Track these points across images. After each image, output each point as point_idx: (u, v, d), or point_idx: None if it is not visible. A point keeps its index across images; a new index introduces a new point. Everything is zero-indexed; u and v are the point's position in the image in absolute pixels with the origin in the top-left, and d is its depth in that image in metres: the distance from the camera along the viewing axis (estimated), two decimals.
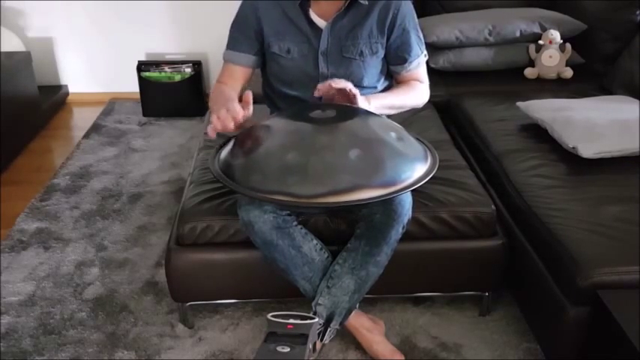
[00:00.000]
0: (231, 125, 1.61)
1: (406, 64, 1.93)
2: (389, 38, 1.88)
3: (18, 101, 3.19)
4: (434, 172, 1.65)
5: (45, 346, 1.88)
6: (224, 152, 1.74)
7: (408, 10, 1.88)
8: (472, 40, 2.83)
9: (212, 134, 1.63)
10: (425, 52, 1.97)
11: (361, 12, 1.84)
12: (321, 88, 1.73)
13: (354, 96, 1.73)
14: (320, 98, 1.80)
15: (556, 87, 2.79)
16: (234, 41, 1.91)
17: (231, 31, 1.92)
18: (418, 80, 1.98)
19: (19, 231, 2.47)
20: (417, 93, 1.96)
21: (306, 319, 1.65)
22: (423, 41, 1.96)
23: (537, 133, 2.21)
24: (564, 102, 2.34)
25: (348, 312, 1.74)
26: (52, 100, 3.66)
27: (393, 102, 1.90)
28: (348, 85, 1.72)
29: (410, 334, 1.91)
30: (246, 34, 1.88)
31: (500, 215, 1.96)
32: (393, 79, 2.01)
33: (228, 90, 1.87)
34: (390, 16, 1.85)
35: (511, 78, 2.88)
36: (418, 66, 1.96)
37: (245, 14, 1.88)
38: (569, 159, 2.02)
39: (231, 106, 1.63)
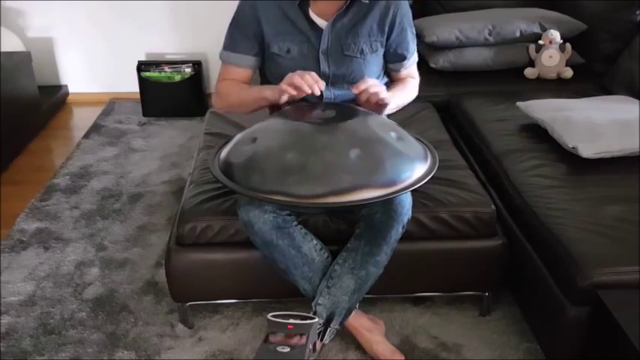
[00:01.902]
0: (317, 89, 1.69)
1: (405, 62, 1.96)
2: (389, 37, 1.89)
3: (18, 101, 3.19)
4: (434, 172, 1.66)
5: (45, 346, 1.88)
6: (224, 152, 1.74)
7: (406, 9, 1.90)
8: (472, 40, 2.83)
9: (292, 92, 1.69)
10: (415, 47, 2.01)
11: (362, 11, 1.84)
12: (359, 88, 1.73)
13: (385, 105, 1.77)
14: (321, 97, 1.80)
15: (556, 87, 2.79)
16: (233, 42, 1.90)
17: (229, 32, 1.91)
18: (413, 77, 2.02)
19: (19, 231, 2.47)
20: (413, 89, 2.01)
21: (306, 319, 1.65)
22: (415, 38, 1.99)
23: (537, 133, 2.21)
24: (564, 102, 2.34)
25: (348, 312, 1.74)
26: (52, 100, 3.66)
27: (401, 101, 1.94)
28: (382, 95, 1.74)
29: (410, 334, 1.91)
30: (245, 34, 1.88)
31: (500, 215, 1.96)
32: (389, 77, 2.02)
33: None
34: (391, 15, 1.86)
35: (511, 78, 2.88)
36: (413, 63, 2.01)
37: (244, 14, 1.88)
38: (569, 159, 2.02)
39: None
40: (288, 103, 1.76)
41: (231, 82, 1.92)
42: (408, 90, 1.98)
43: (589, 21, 2.90)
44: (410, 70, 2.00)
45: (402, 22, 1.89)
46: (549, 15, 2.93)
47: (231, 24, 1.91)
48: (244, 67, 1.92)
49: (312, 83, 1.68)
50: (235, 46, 1.90)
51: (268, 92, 1.80)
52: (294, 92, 1.70)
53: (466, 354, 1.84)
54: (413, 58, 1.99)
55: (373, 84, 1.73)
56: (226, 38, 1.91)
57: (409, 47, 1.94)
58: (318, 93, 1.70)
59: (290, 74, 1.71)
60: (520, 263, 1.86)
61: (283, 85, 1.71)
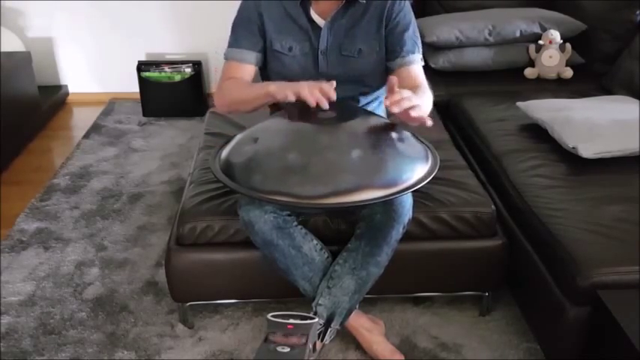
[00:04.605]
0: (325, 104, 1.63)
1: (399, 59, 1.86)
2: (385, 32, 1.87)
3: (18, 101, 3.19)
4: (435, 172, 1.65)
5: (45, 346, 1.88)
6: (225, 152, 1.74)
7: (404, 7, 1.87)
8: (472, 40, 2.84)
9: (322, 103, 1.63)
10: (421, 55, 1.91)
11: (359, 10, 1.84)
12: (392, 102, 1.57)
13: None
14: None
15: (556, 87, 2.79)
16: (237, 39, 1.89)
17: (233, 30, 1.91)
18: (416, 80, 1.87)
19: (19, 231, 2.47)
20: (428, 101, 1.83)
21: (306, 319, 1.65)
22: (420, 42, 1.91)
23: (537, 133, 2.21)
24: (564, 102, 2.34)
25: (349, 312, 1.74)
26: (52, 100, 3.66)
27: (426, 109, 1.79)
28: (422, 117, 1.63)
29: (410, 334, 1.91)
30: (249, 30, 1.87)
31: (500, 215, 1.96)
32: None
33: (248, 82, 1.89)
34: (386, 10, 1.84)
35: (511, 78, 2.88)
36: (412, 63, 1.87)
37: (247, 12, 1.88)
38: (569, 159, 2.02)
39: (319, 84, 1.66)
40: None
41: (234, 81, 1.89)
42: (426, 97, 1.80)
43: (589, 21, 2.90)
44: (410, 70, 1.87)
45: (397, 17, 1.85)
46: (549, 15, 2.93)
47: (234, 22, 1.91)
48: (248, 62, 1.89)
49: (321, 100, 1.62)
50: (239, 43, 1.89)
51: (273, 87, 1.73)
52: (294, 99, 1.66)
53: (466, 354, 1.84)
54: (410, 57, 1.87)
55: (407, 97, 1.58)
56: (230, 37, 1.91)
57: (404, 44, 1.86)
58: (326, 107, 1.63)
59: (302, 83, 1.66)
60: (520, 263, 1.86)
61: (289, 93, 1.65)
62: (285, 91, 1.67)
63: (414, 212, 1.73)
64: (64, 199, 2.71)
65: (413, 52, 1.89)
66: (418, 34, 1.93)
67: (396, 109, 1.54)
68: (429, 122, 1.63)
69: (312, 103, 1.62)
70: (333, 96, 1.63)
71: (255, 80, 1.94)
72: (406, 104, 1.55)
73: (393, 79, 1.59)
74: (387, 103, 1.55)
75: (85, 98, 3.87)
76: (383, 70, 1.93)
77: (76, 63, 3.82)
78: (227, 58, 1.92)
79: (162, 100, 3.59)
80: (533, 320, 1.82)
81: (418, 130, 1.78)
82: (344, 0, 1.82)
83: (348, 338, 1.85)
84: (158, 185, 2.82)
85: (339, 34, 1.85)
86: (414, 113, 1.57)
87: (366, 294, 1.75)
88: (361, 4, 1.83)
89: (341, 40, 1.85)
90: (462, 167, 2.05)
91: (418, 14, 1.99)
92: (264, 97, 1.78)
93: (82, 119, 3.64)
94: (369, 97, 1.97)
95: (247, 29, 1.88)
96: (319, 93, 1.62)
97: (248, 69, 1.90)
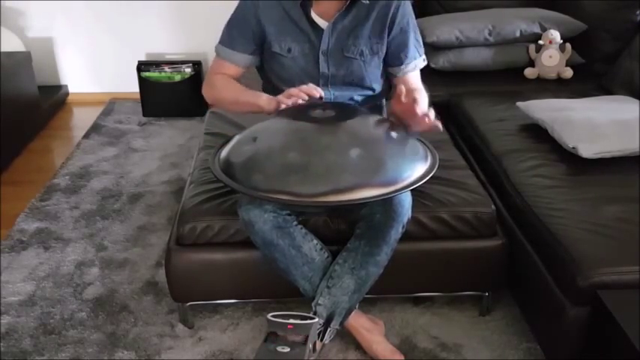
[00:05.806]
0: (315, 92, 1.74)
1: (402, 66, 1.90)
2: (388, 37, 1.87)
3: (18, 101, 3.19)
4: (434, 171, 1.66)
5: (45, 346, 1.88)
6: (224, 152, 1.74)
7: (407, 10, 1.88)
8: (472, 40, 2.84)
9: (288, 102, 1.73)
10: (424, 56, 1.94)
11: (362, 12, 1.84)
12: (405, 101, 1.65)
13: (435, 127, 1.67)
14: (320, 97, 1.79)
15: (556, 87, 2.79)
16: (230, 39, 1.91)
17: (227, 28, 1.91)
18: (415, 85, 1.91)
19: (19, 231, 2.47)
20: (427, 99, 1.86)
21: (306, 319, 1.65)
22: (421, 45, 1.94)
23: (537, 133, 2.21)
24: (564, 102, 2.34)
25: (348, 312, 1.74)
26: (52, 100, 3.66)
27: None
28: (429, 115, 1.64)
29: (410, 334, 1.91)
30: (243, 33, 1.88)
31: (500, 215, 1.96)
32: (389, 81, 1.99)
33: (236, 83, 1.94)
34: (390, 15, 1.84)
35: (511, 78, 2.88)
36: (415, 69, 1.92)
37: (244, 13, 1.88)
38: (569, 159, 2.02)
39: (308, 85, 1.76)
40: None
41: (226, 78, 1.93)
42: (425, 100, 1.82)
43: (589, 21, 2.90)
44: (411, 75, 1.91)
45: (401, 23, 1.86)
46: (549, 15, 2.93)
47: (230, 20, 1.91)
48: (236, 64, 1.93)
49: (309, 89, 1.70)
50: (232, 43, 1.90)
51: (263, 101, 1.81)
52: (289, 102, 1.72)
53: (466, 354, 1.84)
54: (414, 64, 1.91)
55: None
56: (224, 33, 1.92)
57: (408, 51, 1.89)
58: (317, 95, 1.71)
59: (288, 89, 1.74)
60: (520, 263, 1.86)
61: (280, 97, 1.73)
62: (273, 104, 1.76)
63: (413, 212, 1.73)
64: (64, 199, 2.71)
65: (415, 58, 1.92)
66: (419, 35, 1.93)
67: (404, 99, 1.64)
68: (440, 126, 1.67)
69: (302, 95, 1.68)
70: (320, 92, 1.72)
71: (252, 81, 1.95)
72: (414, 96, 1.65)
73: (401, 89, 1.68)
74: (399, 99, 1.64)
75: (85, 98, 3.87)
76: (382, 72, 1.94)
77: (76, 63, 3.82)
78: (217, 53, 1.94)
79: (162, 100, 3.59)
80: (533, 320, 1.82)
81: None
82: (347, 0, 1.82)
83: (348, 338, 1.85)
84: (158, 185, 2.82)
85: (341, 35, 1.85)
86: (418, 109, 1.63)
87: (366, 294, 1.75)
88: (364, 5, 1.83)
89: (344, 41, 1.85)
90: (462, 167, 2.05)
91: (418, 14, 1.99)
92: (252, 106, 1.84)
93: (82, 119, 3.64)
94: (369, 99, 1.97)
95: (241, 31, 1.88)
96: (306, 87, 1.71)
97: (235, 70, 1.94)
